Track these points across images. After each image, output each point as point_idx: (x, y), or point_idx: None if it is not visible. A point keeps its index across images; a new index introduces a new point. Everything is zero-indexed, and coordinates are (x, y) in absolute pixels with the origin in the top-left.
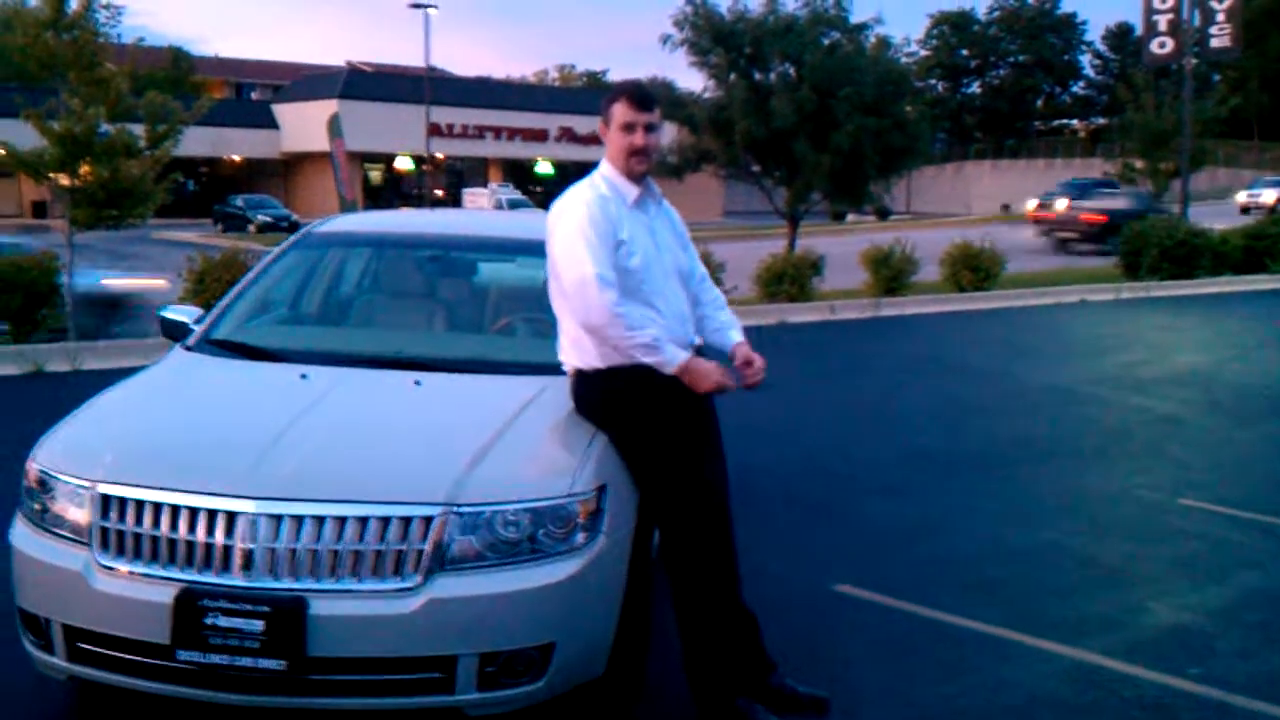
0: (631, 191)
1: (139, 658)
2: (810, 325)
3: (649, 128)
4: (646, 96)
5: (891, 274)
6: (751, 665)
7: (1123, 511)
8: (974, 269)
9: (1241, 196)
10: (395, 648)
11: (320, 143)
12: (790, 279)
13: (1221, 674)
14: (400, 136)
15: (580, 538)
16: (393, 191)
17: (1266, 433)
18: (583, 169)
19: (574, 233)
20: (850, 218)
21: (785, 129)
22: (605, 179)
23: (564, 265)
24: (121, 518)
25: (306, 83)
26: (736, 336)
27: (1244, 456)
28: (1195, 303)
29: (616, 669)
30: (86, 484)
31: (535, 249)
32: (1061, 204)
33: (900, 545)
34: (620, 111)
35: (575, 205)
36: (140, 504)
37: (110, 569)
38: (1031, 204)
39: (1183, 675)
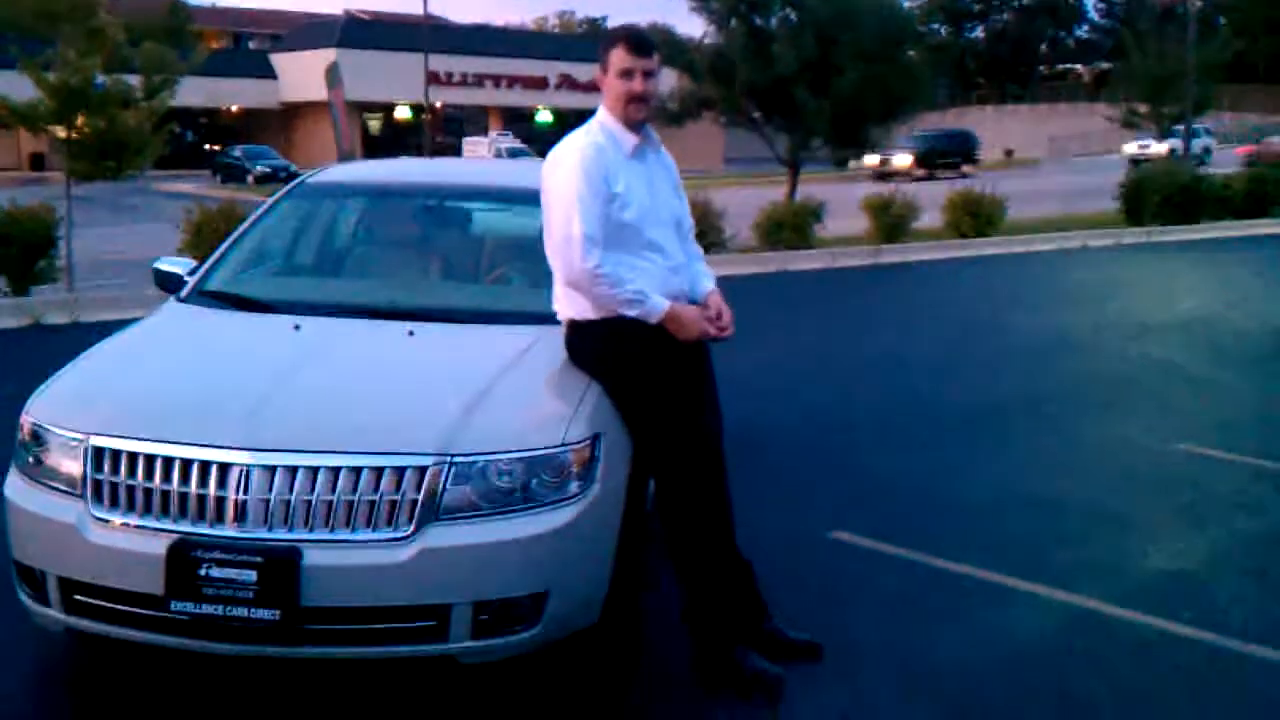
0: (629, 140)
1: (133, 609)
2: (811, 273)
3: (647, 74)
4: (645, 42)
5: (892, 221)
6: (746, 612)
7: (1122, 458)
8: (975, 215)
9: (1131, 147)
10: (389, 597)
11: (319, 92)
12: (791, 226)
13: (1216, 618)
14: (399, 85)
15: (574, 487)
16: (393, 141)
17: (1266, 377)
18: (582, 117)
19: (565, 187)
20: (853, 165)
21: (786, 75)
22: (603, 127)
23: (553, 220)
24: (115, 470)
25: (304, 32)
26: (708, 285)
27: (1244, 401)
28: (1197, 248)
29: (611, 617)
30: (79, 437)
31: (531, 198)
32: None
33: (898, 493)
34: (618, 57)
35: (569, 157)
36: (133, 456)
37: (104, 521)
38: None
39: (1177, 619)
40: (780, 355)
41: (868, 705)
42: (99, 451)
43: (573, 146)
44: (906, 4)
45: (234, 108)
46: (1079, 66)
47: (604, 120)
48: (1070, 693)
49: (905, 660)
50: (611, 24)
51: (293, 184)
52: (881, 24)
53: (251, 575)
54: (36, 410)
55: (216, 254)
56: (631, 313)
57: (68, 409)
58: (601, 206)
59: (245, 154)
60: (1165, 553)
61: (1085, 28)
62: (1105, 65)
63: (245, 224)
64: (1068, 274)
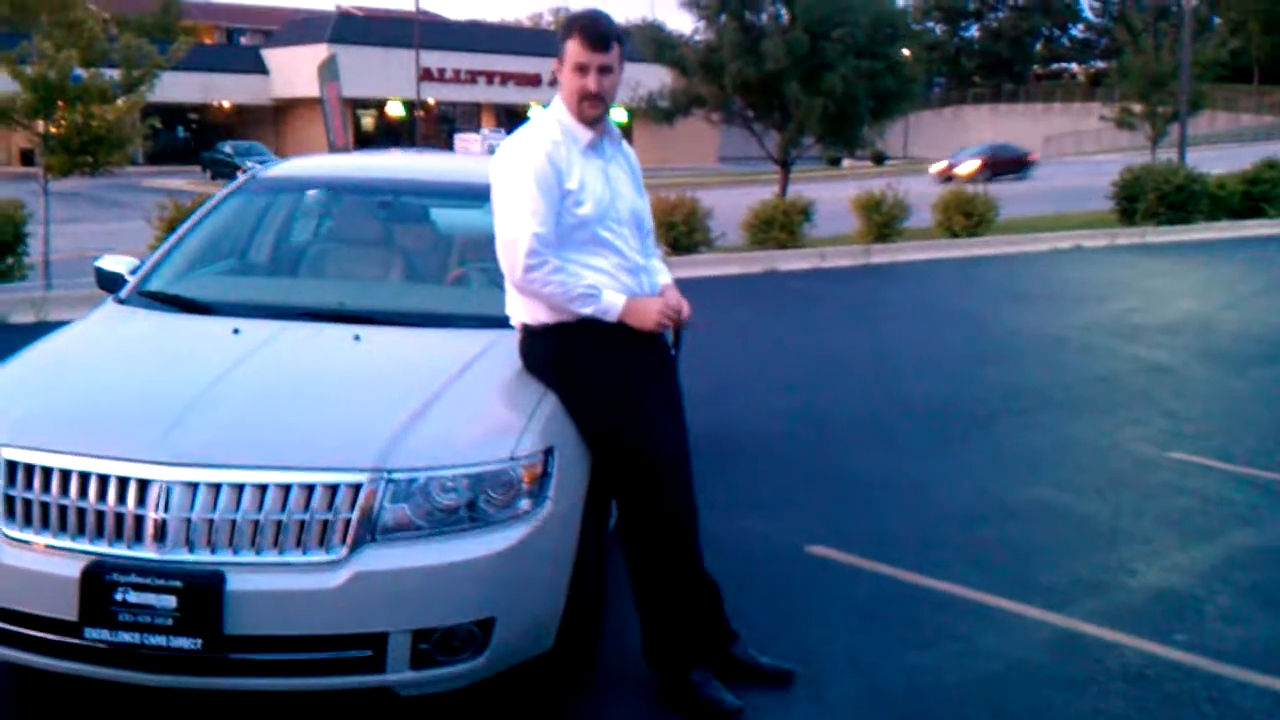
0: (585, 135)
1: (47, 635)
2: (800, 273)
3: (603, 69)
4: (603, 34)
5: (883, 220)
6: (712, 636)
7: (1112, 466)
8: (967, 214)
9: (940, 165)
10: (320, 625)
11: (311, 88)
12: (780, 225)
13: (1210, 641)
14: (391, 81)
15: (524, 504)
16: (385, 137)
17: (1261, 383)
18: None
19: (511, 186)
20: (846, 163)
21: (776, 71)
22: (559, 121)
23: (500, 220)
24: (28, 485)
25: (296, 27)
26: (664, 279)
27: (1238, 408)
28: (1192, 249)
29: (567, 643)
30: None
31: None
32: None
33: (880, 504)
34: (572, 50)
35: (518, 154)
36: (47, 470)
37: (16, 540)
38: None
39: (1169, 642)
40: (759, 358)
41: None
42: (11, 465)
43: (522, 142)
44: (900, 1)
45: (226, 104)
46: (1074, 65)
47: (558, 114)
48: None
49: (879, 682)
50: None
51: (244, 178)
52: (874, 20)
53: (171, 601)
54: None
55: (159, 252)
56: (586, 310)
57: None
58: (551, 205)
59: (235, 150)
60: (1156, 569)
61: (1080, 26)
62: (1100, 64)
63: (192, 220)
64: (1060, 275)
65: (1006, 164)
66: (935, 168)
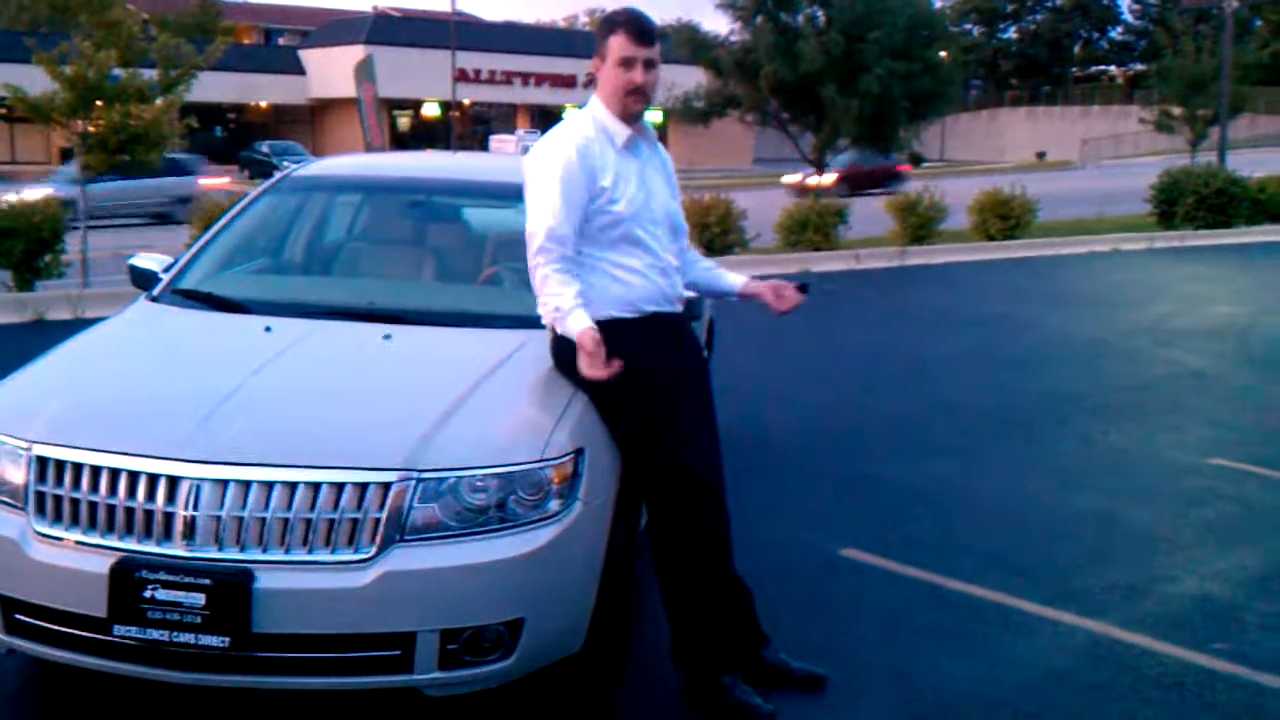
0: (622, 132)
1: (76, 631)
2: (834, 275)
3: (648, 64)
4: (647, 29)
5: (919, 222)
6: (742, 639)
7: (1151, 472)
8: (1004, 216)
9: (795, 177)
10: (348, 624)
11: (347, 89)
12: (815, 227)
13: (1250, 650)
14: (427, 82)
15: (554, 505)
16: (421, 138)
17: None
18: None
19: (542, 182)
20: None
21: (812, 73)
22: (594, 119)
23: (528, 214)
24: (59, 481)
25: (333, 28)
26: (737, 278)
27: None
28: (1231, 252)
29: (596, 645)
30: (23, 445)
31: (522, 194)
32: None
33: (914, 508)
34: (617, 44)
35: (551, 150)
36: (78, 467)
37: (46, 536)
38: None
39: (1208, 651)
40: (793, 360)
41: None
42: (42, 461)
43: (556, 140)
44: (937, 3)
45: (263, 104)
46: (1113, 68)
47: (596, 112)
48: None
49: (912, 688)
50: None
51: (277, 177)
52: (910, 22)
53: (199, 599)
54: None
55: (192, 250)
56: (548, 321)
57: (13, 415)
58: (573, 202)
59: (273, 150)
60: (1195, 576)
61: (1119, 29)
62: (1139, 67)
63: (225, 218)
64: (1098, 278)
65: (868, 177)
66: (789, 179)
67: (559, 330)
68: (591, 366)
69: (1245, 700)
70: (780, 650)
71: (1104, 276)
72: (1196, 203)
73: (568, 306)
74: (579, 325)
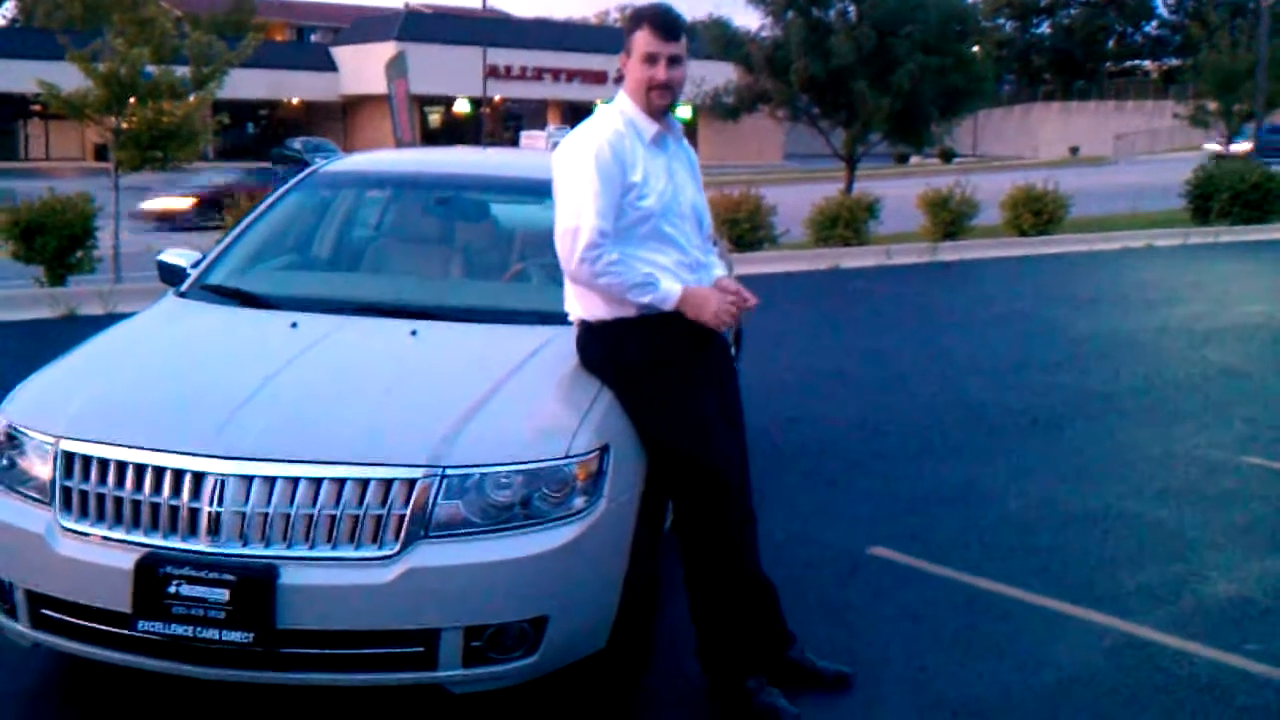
0: (650, 127)
1: (101, 626)
2: (864, 270)
3: (673, 60)
4: (672, 24)
5: (950, 217)
6: (768, 638)
7: (1183, 471)
8: (1036, 212)
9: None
10: (371, 620)
11: (379, 85)
12: (845, 222)
13: None
14: (458, 79)
15: (579, 502)
16: (452, 134)
17: None
18: None
19: (573, 176)
20: (914, 160)
21: (844, 68)
22: (623, 114)
23: (559, 211)
24: (84, 477)
25: (365, 25)
26: (720, 272)
27: None
28: (1268, 248)
29: (620, 643)
30: (50, 440)
31: (551, 190)
32: None
33: (944, 506)
34: (642, 40)
35: (584, 146)
36: (103, 462)
37: (72, 531)
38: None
39: (1240, 652)
40: (821, 356)
41: None
42: (69, 456)
43: (587, 134)
44: None
45: (295, 100)
46: (1147, 63)
47: (623, 107)
48: None
49: (939, 689)
50: None
51: (305, 173)
52: (943, 16)
53: (223, 594)
54: (11, 410)
55: (220, 246)
56: (644, 298)
57: (41, 410)
58: (612, 197)
59: (304, 146)
60: (1228, 576)
61: (1154, 24)
62: (1174, 62)
63: (253, 214)
64: (1131, 275)
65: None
66: (147, 204)
67: (664, 306)
68: (736, 302)
69: (1278, 702)
70: (806, 649)
71: (1137, 273)
72: (1232, 198)
73: (655, 279)
74: (677, 286)
